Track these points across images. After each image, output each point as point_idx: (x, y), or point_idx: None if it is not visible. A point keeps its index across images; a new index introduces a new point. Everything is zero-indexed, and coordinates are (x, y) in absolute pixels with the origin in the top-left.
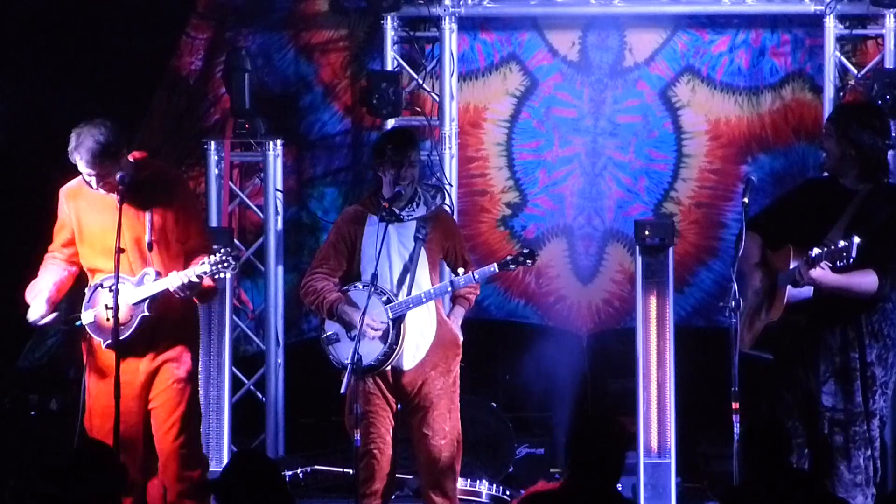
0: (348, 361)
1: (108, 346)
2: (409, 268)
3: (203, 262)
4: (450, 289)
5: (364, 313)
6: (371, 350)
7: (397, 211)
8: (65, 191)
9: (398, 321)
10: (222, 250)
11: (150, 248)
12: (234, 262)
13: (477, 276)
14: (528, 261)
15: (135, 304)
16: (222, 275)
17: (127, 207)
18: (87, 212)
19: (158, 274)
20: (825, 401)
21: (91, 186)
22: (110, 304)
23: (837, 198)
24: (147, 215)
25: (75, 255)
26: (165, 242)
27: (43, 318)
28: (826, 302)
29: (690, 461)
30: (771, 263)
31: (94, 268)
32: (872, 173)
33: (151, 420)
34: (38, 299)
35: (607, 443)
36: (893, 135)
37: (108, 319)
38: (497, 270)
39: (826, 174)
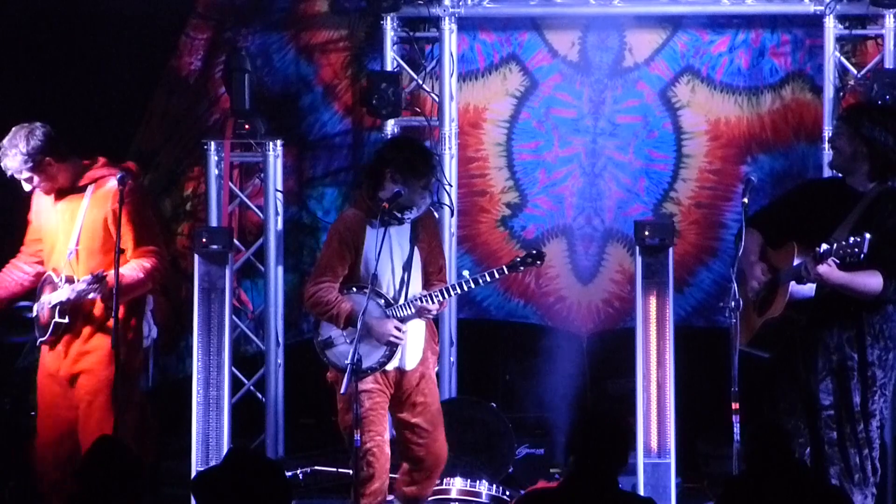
0: (347, 362)
1: (39, 343)
2: (407, 270)
3: (80, 281)
4: (458, 290)
5: (364, 313)
6: (373, 353)
7: (398, 213)
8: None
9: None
10: (91, 276)
11: (70, 255)
12: (98, 287)
13: (488, 278)
14: (536, 262)
15: (51, 308)
16: (90, 296)
17: (62, 212)
18: (39, 211)
19: (70, 281)
20: (822, 399)
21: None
22: (51, 301)
23: (845, 198)
24: (77, 222)
25: (40, 251)
26: (91, 250)
27: None
28: (828, 301)
29: (690, 461)
30: (771, 260)
31: (47, 266)
32: (882, 173)
33: (79, 423)
34: None
35: (609, 441)
36: None
37: (43, 314)
38: (507, 272)
39: (831, 175)
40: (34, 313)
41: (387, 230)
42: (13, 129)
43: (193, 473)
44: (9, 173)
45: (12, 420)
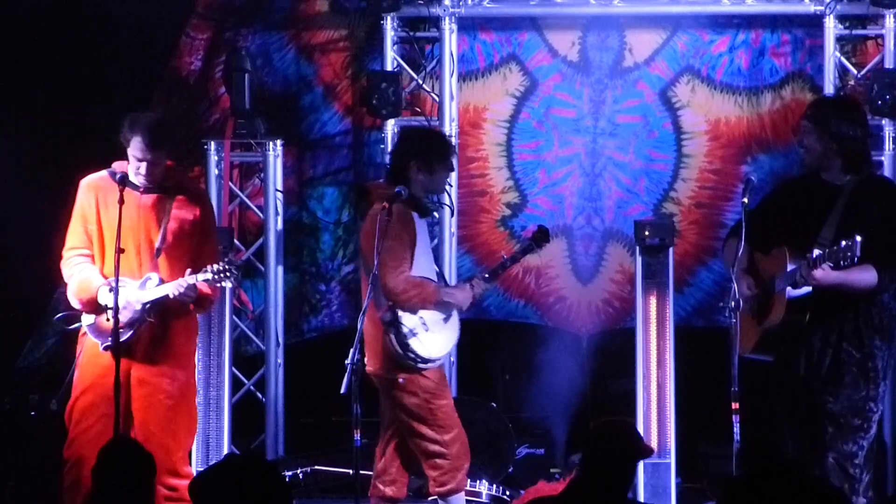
0: (347, 362)
1: (105, 349)
2: (435, 262)
3: (205, 270)
4: (501, 270)
5: (363, 313)
6: (443, 340)
7: (426, 202)
8: (87, 181)
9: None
10: (226, 259)
11: (158, 254)
12: (235, 272)
13: (520, 257)
14: (546, 240)
15: (135, 308)
16: (223, 284)
17: (148, 209)
18: (105, 207)
19: (161, 280)
20: (822, 393)
21: (135, 178)
22: (110, 305)
23: (823, 194)
24: (164, 222)
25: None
26: (176, 253)
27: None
28: (825, 297)
29: (690, 461)
30: (761, 266)
31: (102, 265)
32: (856, 165)
33: (136, 426)
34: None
35: (621, 452)
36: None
37: (107, 320)
38: (535, 248)
39: (805, 171)
40: (89, 321)
41: (441, 221)
42: (151, 114)
43: (193, 474)
44: (139, 156)
45: (12, 420)
